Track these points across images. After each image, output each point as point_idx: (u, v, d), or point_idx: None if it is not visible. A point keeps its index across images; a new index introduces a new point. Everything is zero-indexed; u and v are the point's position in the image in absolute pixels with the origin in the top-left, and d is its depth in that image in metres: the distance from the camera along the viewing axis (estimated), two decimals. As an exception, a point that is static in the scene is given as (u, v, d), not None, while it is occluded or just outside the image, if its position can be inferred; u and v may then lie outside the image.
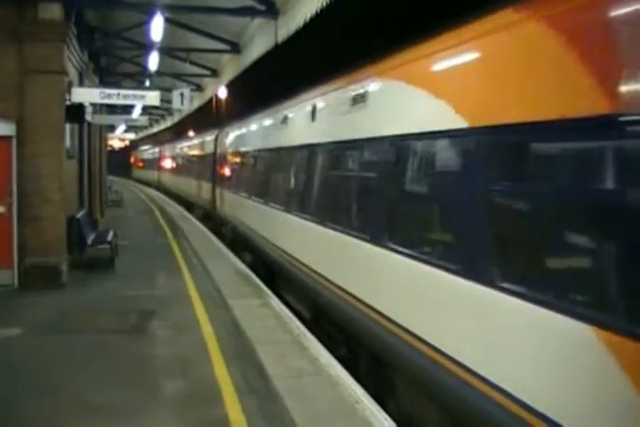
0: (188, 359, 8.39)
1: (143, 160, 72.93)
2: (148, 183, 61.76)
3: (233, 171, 20.84)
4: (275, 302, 11.66)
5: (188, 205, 34.23)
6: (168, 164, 47.40)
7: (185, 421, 6.48)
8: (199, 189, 29.35)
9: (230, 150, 21.55)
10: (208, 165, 26.50)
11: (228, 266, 15.43)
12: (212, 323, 10.11)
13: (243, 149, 19.12)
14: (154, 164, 58.50)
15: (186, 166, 36.91)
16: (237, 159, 20.15)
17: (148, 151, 68.44)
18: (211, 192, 25.20)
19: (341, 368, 7.98)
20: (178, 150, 42.06)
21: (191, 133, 42.92)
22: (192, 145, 35.01)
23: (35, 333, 9.59)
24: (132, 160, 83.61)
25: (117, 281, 13.59)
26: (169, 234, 21.74)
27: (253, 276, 14.18)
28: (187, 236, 21.13)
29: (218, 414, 6.57)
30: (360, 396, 7.00)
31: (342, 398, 6.94)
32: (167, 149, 49.18)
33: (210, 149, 26.37)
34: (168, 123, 50.70)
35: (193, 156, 33.87)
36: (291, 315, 10.67)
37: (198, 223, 25.85)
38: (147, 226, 24.42)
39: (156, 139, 66.03)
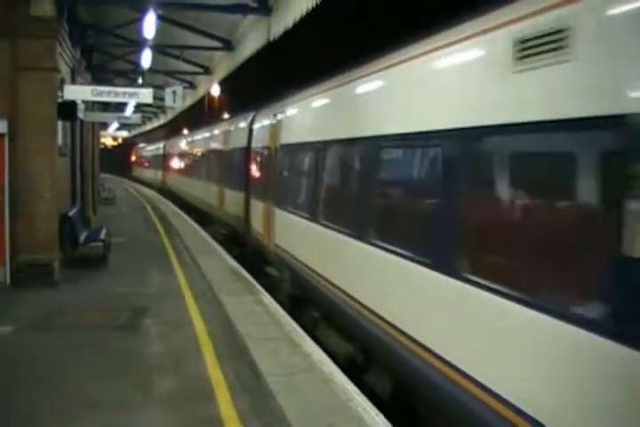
0: (180, 356, 8.38)
1: (144, 158, 63.06)
2: (149, 185, 53.85)
3: (292, 177, 12.58)
4: (267, 298, 11.68)
5: (201, 215, 26.57)
6: (175, 163, 38.73)
7: (177, 418, 6.48)
8: (221, 198, 21.43)
9: (285, 141, 12.94)
10: (236, 166, 19.01)
11: (220, 263, 15.44)
12: (205, 320, 10.11)
13: (323, 139, 10.26)
14: (157, 162, 49.97)
15: (200, 166, 28.15)
16: (303, 158, 11.67)
17: (149, 148, 59.91)
18: (242, 205, 17.40)
19: (334, 365, 7.99)
20: (188, 145, 33.63)
21: (208, 122, 31.74)
22: (209, 137, 26.31)
23: (27, 330, 9.55)
24: (133, 158, 76.07)
25: (110, 278, 13.57)
26: (161, 231, 21.70)
27: (245, 272, 14.19)
28: (179, 233, 21.11)
29: (210, 412, 6.57)
30: (353, 393, 7.01)
31: (335, 394, 6.96)
32: (173, 145, 40.66)
33: (240, 141, 18.48)
34: (161, 120, 50.60)
35: (211, 152, 25.32)
36: (282, 311, 10.68)
37: (190, 220, 25.79)
38: (139, 223, 24.36)
39: (158, 133, 60.93)
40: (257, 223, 15.34)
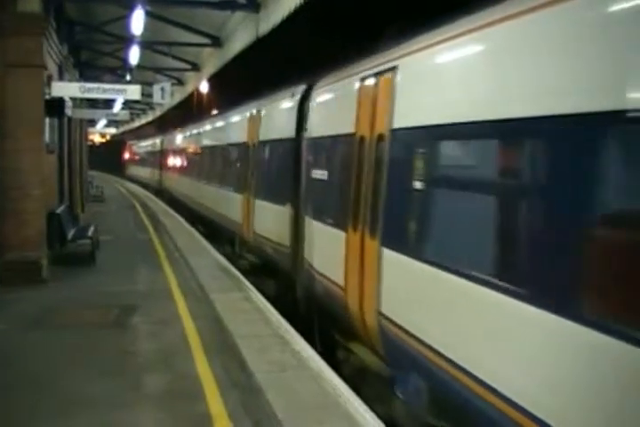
0: (169, 354, 8.36)
1: (139, 155, 55.85)
2: (145, 185, 47.05)
3: (462, 197, 5.96)
4: (255, 295, 11.67)
5: (212, 229, 20.30)
6: (176, 161, 31.40)
7: (167, 415, 6.46)
8: (246, 212, 14.84)
9: (411, 123, 6.78)
10: (272, 166, 13.37)
11: (209, 260, 15.42)
12: (194, 317, 10.07)
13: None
14: (153, 160, 42.91)
15: (209, 166, 21.53)
16: (494, 154, 5.50)
17: (143, 144, 53.21)
18: (285, 226, 11.58)
19: (323, 362, 7.99)
20: (194, 139, 26.02)
21: (224, 108, 23.74)
22: (226, 127, 19.37)
23: (17, 328, 9.51)
24: (126, 155, 68.75)
25: (99, 276, 13.52)
26: (150, 229, 21.64)
27: (234, 270, 14.17)
28: (168, 231, 21.06)
29: (200, 409, 6.55)
30: (342, 390, 7.02)
31: (325, 391, 6.96)
32: (174, 140, 32.93)
33: (280, 129, 12.54)
34: (149, 117, 50.46)
35: (227, 147, 18.57)
36: (272, 308, 10.67)
37: (180, 218, 25.72)
38: (128, 221, 24.29)
39: (148, 130, 56.35)
40: (325, 263, 9.31)
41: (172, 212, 28.67)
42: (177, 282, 12.79)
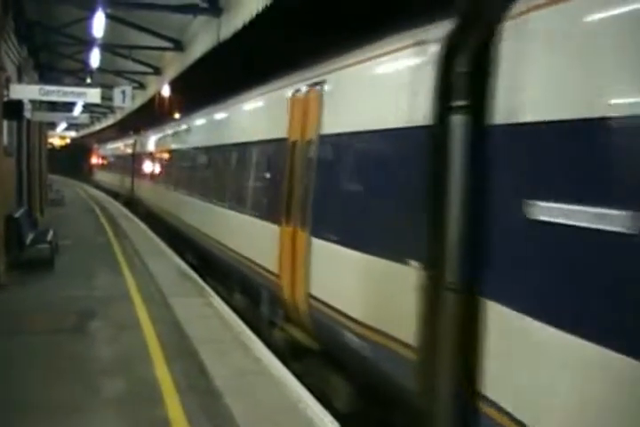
0: (128, 359, 8.30)
1: (108, 160, 48.54)
2: (115, 194, 39.82)
3: None
4: (217, 301, 11.63)
5: (211, 266, 14.14)
6: (156, 166, 24.18)
7: (125, 421, 6.41)
8: (292, 257, 8.26)
9: None
10: (376, 185, 6.45)
11: (169, 265, 15.33)
12: (154, 322, 10.01)
13: None
14: (125, 165, 34.80)
15: (216, 176, 14.00)
16: None
17: (113, 146, 46.25)
18: (413, 312, 5.22)
19: (284, 368, 8.00)
20: (184, 138, 18.52)
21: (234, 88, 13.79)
22: (243, 116, 12.55)
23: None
24: (94, 160, 60.87)
25: (57, 281, 13.36)
26: (110, 233, 21.45)
27: (195, 275, 14.11)
28: (127, 235, 20.91)
29: (158, 414, 6.52)
30: (302, 395, 7.04)
31: (285, 397, 6.98)
32: (152, 141, 25.76)
33: (391, 112, 6.11)
34: (110, 120, 49.99)
35: (250, 147, 11.15)
36: (233, 314, 10.65)
37: (139, 222, 25.51)
38: (88, 225, 24.03)
39: (117, 130, 51.13)
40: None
41: (130, 215, 28.46)
42: (137, 287, 12.69)
